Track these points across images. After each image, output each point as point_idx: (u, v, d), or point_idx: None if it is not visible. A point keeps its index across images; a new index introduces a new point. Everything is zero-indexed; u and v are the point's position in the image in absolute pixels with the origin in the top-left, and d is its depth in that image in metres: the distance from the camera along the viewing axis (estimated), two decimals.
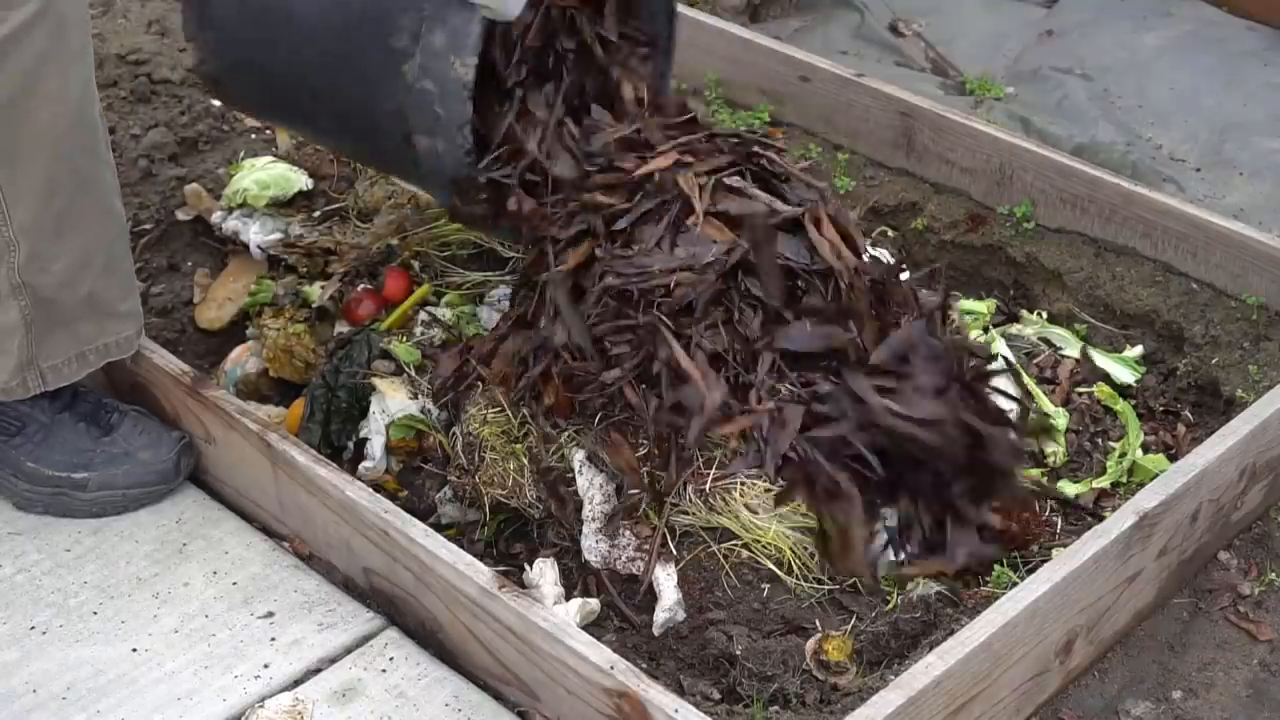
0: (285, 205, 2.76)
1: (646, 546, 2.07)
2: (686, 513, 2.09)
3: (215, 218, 2.77)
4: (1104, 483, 2.33)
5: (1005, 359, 2.43)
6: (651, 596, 2.07)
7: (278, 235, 2.70)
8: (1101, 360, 2.57)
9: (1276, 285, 2.54)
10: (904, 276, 2.22)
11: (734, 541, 2.08)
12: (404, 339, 2.41)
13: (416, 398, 2.32)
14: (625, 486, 2.11)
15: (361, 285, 2.55)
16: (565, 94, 2.30)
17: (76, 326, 2.21)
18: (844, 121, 3.06)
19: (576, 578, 2.11)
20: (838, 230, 2.11)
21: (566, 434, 2.16)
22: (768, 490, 2.10)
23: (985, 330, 2.60)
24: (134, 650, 2.05)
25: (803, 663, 1.99)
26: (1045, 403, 2.43)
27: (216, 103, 3.03)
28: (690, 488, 2.09)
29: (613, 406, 2.13)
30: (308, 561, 2.20)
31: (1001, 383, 2.12)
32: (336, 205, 2.76)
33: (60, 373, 2.22)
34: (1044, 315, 2.71)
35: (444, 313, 2.48)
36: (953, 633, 1.87)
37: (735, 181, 2.16)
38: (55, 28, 2.01)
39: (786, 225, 2.10)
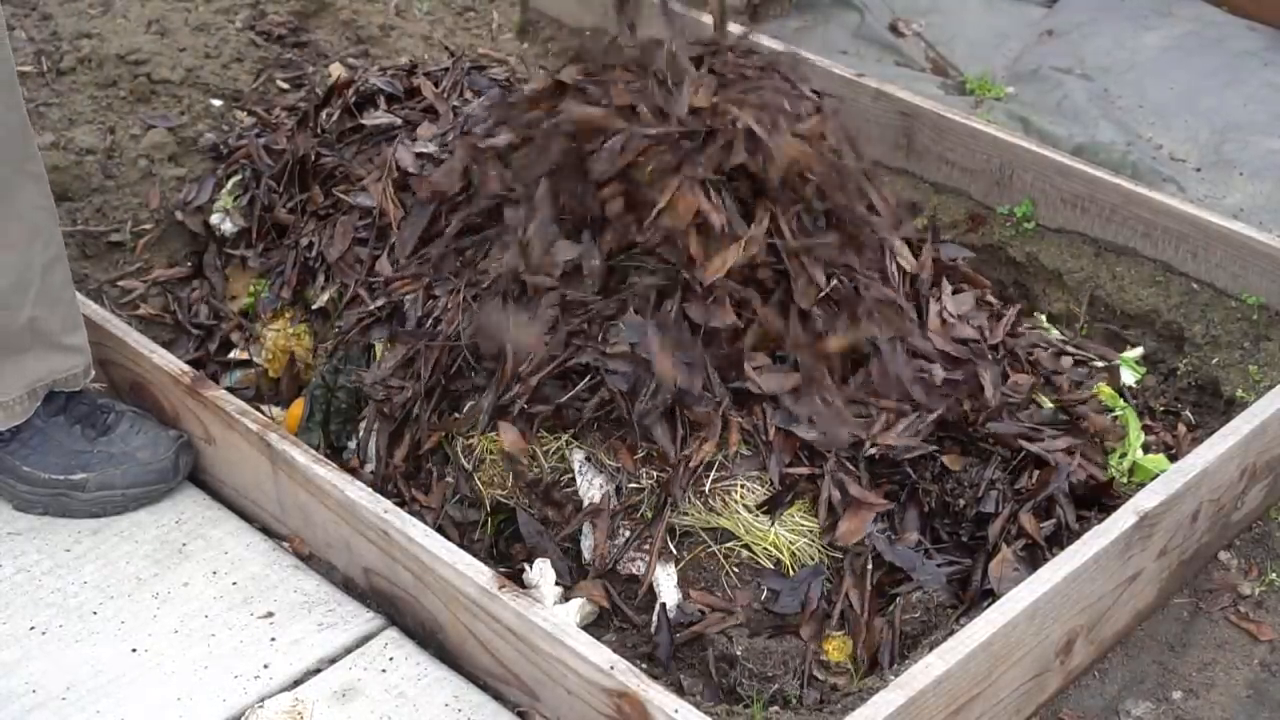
0: None
1: (647, 547, 2.07)
2: (687, 513, 2.09)
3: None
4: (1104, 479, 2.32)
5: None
6: (651, 596, 2.06)
7: None
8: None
9: (1276, 285, 2.54)
10: None
11: (734, 541, 2.08)
12: None
13: None
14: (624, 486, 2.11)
15: None
16: None
17: (23, 360, 2.16)
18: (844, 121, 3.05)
19: (576, 578, 2.11)
20: None
21: (564, 438, 2.17)
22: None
23: None
24: (134, 650, 2.05)
25: (803, 663, 1.99)
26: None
27: (216, 102, 3.02)
28: (690, 488, 2.09)
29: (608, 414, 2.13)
30: (308, 561, 2.20)
31: None
32: None
33: (12, 411, 2.19)
34: (1044, 315, 2.71)
35: None
36: (953, 633, 1.87)
37: None
38: None
39: None
